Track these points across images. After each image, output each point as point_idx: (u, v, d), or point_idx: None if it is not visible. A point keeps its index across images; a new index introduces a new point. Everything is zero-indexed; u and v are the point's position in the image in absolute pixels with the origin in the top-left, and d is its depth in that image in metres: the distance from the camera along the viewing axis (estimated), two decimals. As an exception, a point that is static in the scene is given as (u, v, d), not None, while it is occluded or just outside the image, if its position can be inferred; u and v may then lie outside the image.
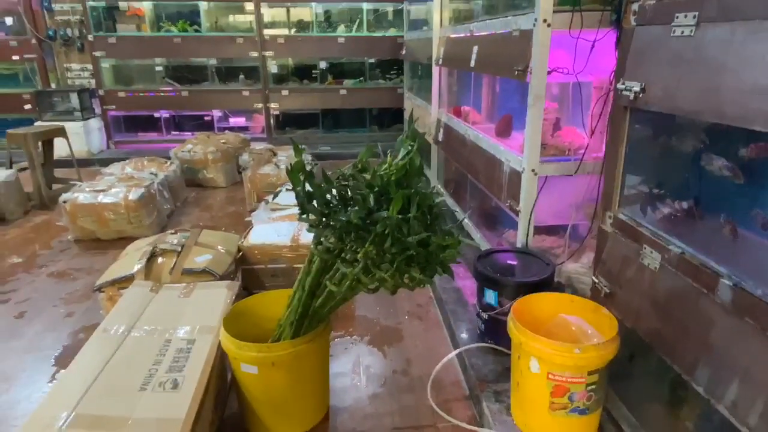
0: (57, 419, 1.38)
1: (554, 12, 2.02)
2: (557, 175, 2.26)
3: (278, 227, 2.92)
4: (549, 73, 2.11)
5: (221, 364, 1.83)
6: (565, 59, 2.12)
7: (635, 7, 1.51)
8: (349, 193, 1.55)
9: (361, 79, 6.78)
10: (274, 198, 3.50)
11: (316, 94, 6.65)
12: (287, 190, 3.65)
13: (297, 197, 1.55)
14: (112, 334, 1.79)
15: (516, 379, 1.70)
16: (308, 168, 1.56)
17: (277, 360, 1.64)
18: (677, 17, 1.29)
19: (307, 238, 2.74)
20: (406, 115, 6.07)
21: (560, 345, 1.51)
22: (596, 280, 1.78)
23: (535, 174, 2.23)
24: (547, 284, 2.00)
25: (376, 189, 1.52)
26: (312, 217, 1.56)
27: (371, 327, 2.52)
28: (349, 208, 1.51)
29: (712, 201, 1.40)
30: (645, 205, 1.64)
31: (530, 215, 2.29)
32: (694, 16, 1.23)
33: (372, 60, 6.72)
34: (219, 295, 2.05)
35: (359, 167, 1.62)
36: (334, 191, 1.56)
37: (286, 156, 4.73)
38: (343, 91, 6.59)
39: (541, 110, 2.16)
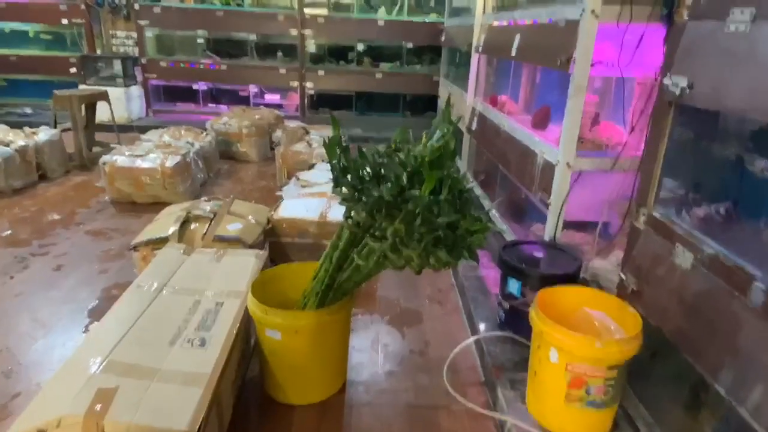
0: (92, 364, 1.45)
1: (603, 3, 1.99)
2: (592, 170, 2.23)
3: (307, 203, 2.96)
4: (592, 65, 2.08)
5: (246, 327, 1.89)
6: (610, 53, 2.08)
7: (689, 1, 1.48)
8: (383, 171, 1.57)
9: (398, 63, 6.75)
10: (309, 169, 3.58)
11: (351, 76, 6.67)
12: (324, 161, 3.72)
13: (332, 170, 1.58)
14: (146, 291, 1.87)
15: (534, 368, 1.71)
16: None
17: (300, 328, 1.69)
18: (732, 13, 1.26)
19: (335, 215, 2.78)
20: (440, 102, 6.04)
21: (581, 337, 1.51)
22: (623, 277, 1.77)
23: (570, 167, 2.20)
24: (572, 278, 1.99)
25: (410, 169, 1.53)
26: (345, 190, 1.59)
27: (392, 308, 2.55)
28: (381, 185, 1.53)
29: (751, 203, 1.37)
30: (681, 204, 1.61)
31: (561, 209, 2.27)
32: (751, 12, 1.20)
33: (410, 45, 6.68)
34: (248, 263, 2.11)
35: (393, 148, 1.64)
36: (368, 168, 1.58)
37: (318, 135, 4.78)
38: (378, 75, 6.59)
39: (582, 102, 2.13)
